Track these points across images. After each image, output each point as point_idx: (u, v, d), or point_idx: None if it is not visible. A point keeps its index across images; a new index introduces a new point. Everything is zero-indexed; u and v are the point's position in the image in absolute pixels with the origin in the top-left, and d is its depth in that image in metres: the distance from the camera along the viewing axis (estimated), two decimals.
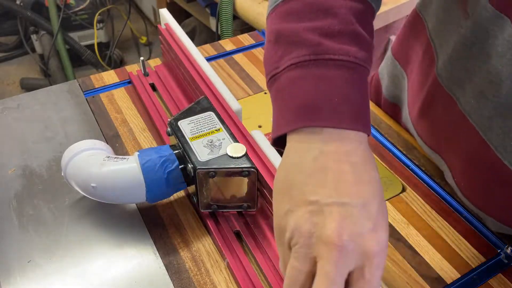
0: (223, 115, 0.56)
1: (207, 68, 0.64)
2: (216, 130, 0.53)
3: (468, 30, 0.46)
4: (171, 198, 0.57)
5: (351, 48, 0.37)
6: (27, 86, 2.17)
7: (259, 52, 0.83)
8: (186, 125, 0.54)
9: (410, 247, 0.53)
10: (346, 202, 0.32)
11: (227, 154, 0.50)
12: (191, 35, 1.98)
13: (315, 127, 0.35)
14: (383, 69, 0.70)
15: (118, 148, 0.64)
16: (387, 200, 0.58)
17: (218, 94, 0.59)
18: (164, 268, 0.50)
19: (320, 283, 0.31)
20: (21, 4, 2.09)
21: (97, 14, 2.17)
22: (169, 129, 0.55)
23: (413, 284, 0.49)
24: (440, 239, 0.54)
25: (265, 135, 0.53)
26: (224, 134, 0.53)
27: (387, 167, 0.62)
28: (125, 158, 0.51)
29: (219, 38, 1.46)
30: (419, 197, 0.58)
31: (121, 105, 0.71)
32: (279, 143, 0.39)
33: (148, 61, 0.79)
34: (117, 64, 2.29)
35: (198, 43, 1.83)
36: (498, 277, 0.51)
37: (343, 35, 0.37)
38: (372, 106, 0.73)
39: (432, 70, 0.54)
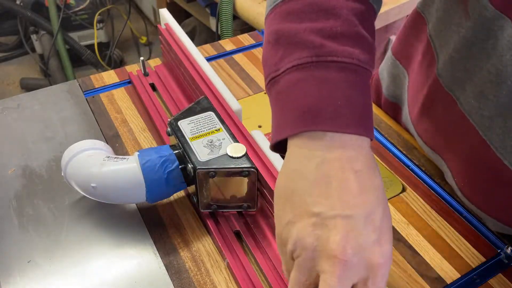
0: (223, 115, 0.56)
1: (207, 68, 0.64)
2: (216, 130, 0.53)
3: (469, 30, 0.46)
4: (171, 198, 0.57)
5: (354, 50, 0.36)
6: (27, 86, 2.17)
7: (259, 52, 0.83)
8: (186, 125, 0.54)
9: (410, 247, 0.53)
10: (350, 215, 0.32)
11: (227, 154, 0.50)
12: (191, 35, 1.98)
13: (318, 131, 0.34)
14: (383, 69, 0.70)
15: (118, 148, 0.64)
16: (387, 200, 0.58)
17: (218, 94, 0.59)
18: (164, 268, 0.50)
19: None
20: (21, 4, 2.09)
21: (97, 14, 2.17)
22: (169, 129, 0.55)
23: (413, 284, 0.49)
24: (440, 239, 0.54)
25: (265, 135, 0.53)
26: (224, 134, 0.53)
27: (387, 167, 0.62)
28: (125, 158, 0.51)
29: (219, 38, 1.46)
30: (419, 197, 0.58)
31: (121, 105, 0.71)
32: (279, 147, 0.38)
33: (148, 61, 0.79)
34: (117, 64, 2.29)
35: (198, 43, 1.83)
36: (498, 277, 0.51)
37: (346, 37, 0.36)
38: (372, 106, 0.72)
39: (432, 70, 0.54)
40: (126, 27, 2.29)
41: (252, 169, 0.49)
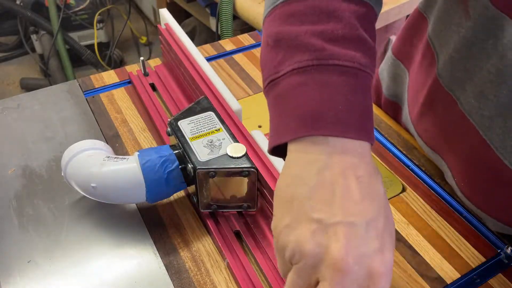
0: (223, 115, 0.56)
1: (207, 68, 0.64)
2: (216, 130, 0.53)
3: (469, 30, 0.46)
4: (171, 198, 0.57)
5: (355, 54, 0.35)
6: (27, 86, 2.17)
7: (259, 52, 0.83)
8: (186, 125, 0.54)
9: (410, 247, 0.53)
10: (352, 222, 0.31)
11: (227, 154, 0.50)
12: (191, 35, 1.98)
13: (319, 136, 0.34)
14: (383, 69, 0.70)
15: (118, 148, 0.64)
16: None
17: (218, 94, 0.59)
18: (164, 268, 0.50)
19: None
20: (21, 4, 2.09)
21: (97, 14, 2.17)
22: (169, 129, 0.55)
23: (413, 284, 0.49)
24: (440, 239, 0.54)
25: (265, 135, 0.53)
26: (224, 134, 0.53)
27: (387, 167, 0.62)
28: (125, 158, 0.51)
29: (219, 38, 1.46)
30: (419, 197, 0.58)
31: (121, 105, 0.71)
32: (277, 150, 0.38)
33: (148, 61, 0.79)
34: (117, 64, 2.29)
35: (198, 43, 1.83)
36: (498, 277, 0.51)
37: (347, 40, 0.36)
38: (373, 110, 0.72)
39: (432, 70, 0.54)
40: (126, 27, 2.29)
41: (252, 169, 0.49)
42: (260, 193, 0.52)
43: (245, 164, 0.49)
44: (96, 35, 2.19)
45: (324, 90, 0.34)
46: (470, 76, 0.48)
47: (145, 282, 0.49)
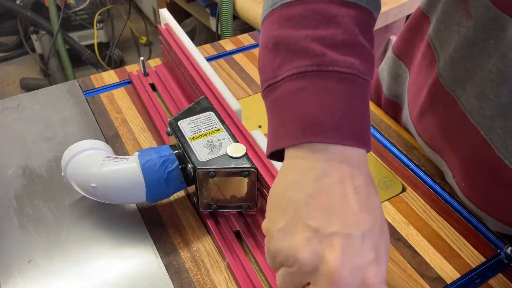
0: (223, 115, 0.56)
1: (207, 68, 0.64)
2: (216, 130, 0.53)
3: (470, 30, 0.46)
4: (171, 198, 0.57)
5: (355, 61, 0.35)
6: (27, 86, 2.17)
7: None
8: (186, 125, 0.54)
9: (410, 247, 0.53)
10: (348, 234, 0.31)
11: (227, 154, 0.50)
12: (191, 35, 1.98)
13: (317, 143, 0.34)
14: (383, 69, 0.70)
15: (118, 148, 0.64)
16: (387, 200, 0.58)
17: (218, 94, 0.59)
18: (164, 268, 0.50)
19: None
20: (21, 4, 2.09)
21: (97, 14, 2.17)
22: (169, 129, 0.55)
23: (413, 284, 0.49)
24: (440, 239, 0.54)
25: (265, 135, 0.53)
26: (224, 134, 0.53)
27: (387, 167, 0.62)
28: (125, 158, 0.51)
29: (219, 38, 1.46)
30: (419, 197, 0.58)
31: (121, 105, 0.71)
32: (275, 154, 0.38)
33: (148, 61, 0.79)
34: (117, 64, 2.29)
35: (198, 43, 1.83)
36: (498, 277, 0.51)
37: (347, 46, 0.35)
38: (372, 106, 0.73)
39: (433, 70, 0.54)
40: (126, 27, 2.29)
41: (252, 169, 0.49)
42: (260, 193, 0.52)
43: (245, 164, 0.49)
44: (96, 35, 2.19)
45: (323, 97, 0.34)
46: (471, 76, 0.48)
47: (145, 282, 0.49)
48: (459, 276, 0.50)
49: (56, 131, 0.66)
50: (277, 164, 0.49)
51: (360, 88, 0.36)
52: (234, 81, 0.77)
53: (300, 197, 0.33)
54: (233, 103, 0.57)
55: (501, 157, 0.47)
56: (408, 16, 1.33)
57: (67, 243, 0.52)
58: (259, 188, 0.51)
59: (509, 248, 0.52)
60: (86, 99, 0.72)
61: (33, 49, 2.21)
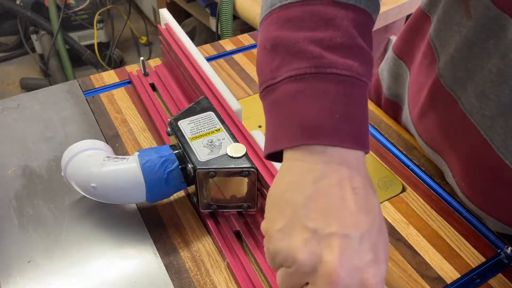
0: (223, 115, 0.56)
1: (207, 68, 0.64)
2: (216, 130, 0.53)
3: (470, 29, 0.46)
4: (171, 198, 0.57)
5: (353, 63, 0.35)
6: (27, 86, 2.17)
7: None
8: (186, 125, 0.54)
9: (410, 247, 0.53)
10: (346, 234, 0.31)
11: (227, 154, 0.50)
12: (191, 35, 1.98)
13: (316, 145, 0.34)
14: (383, 69, 0.70)
15: (118, 148, 0.64)
16: (387, 200, 0.58)
17: (218, 94, 0.59)
18: (164, 268, 0.50)
19: None
20: (21, 4, 2.09)
21: (97, 14, 2.17)
22: (169, 129, 0.55)
23: (413, 284, 0.49)
24: (440, 239, 0.54)
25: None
26: (224, 134, 0.53)
27: (387, 167, 0.62)
28: (125, 158, 0.51)
29: (219, 38, 1.46)
30: (419, 197, 0.58)
31: (121, 105, 0.71)
32: (273, 155, 0.38)
33: (148, 61, 0.79)
34: (117, 64, 2.29)
35: (198, 43, 1.83)
36: (498, 277, 0.51)
37: (345, 49, 0.35)
38: (372, 106, 0.73)
39: (433, 70, 0.54)
40: (126, 27, 2.29)
41: (252, 169, 0.49)
42: (260, 193, 0.52)
43: (245, 164, 0.49)
44: (96, 35, 2.19)
45: (321, 99, 0.34)
46: (471, 75, 0.48)
47: (145, 282, 0.49)
48: (459, 276, 0.50)
49: (56, 131, 0.66)
50: (277, 164, 0.49)
51: (359, 91, 0.36)
52: (234, 81, 0.77)
53: (298, 199, 0.33)
54: (233, 103, 0.57)
55: (501, 157, 0.47)
56: (408, 16, 1.33)
57: (67, 243, 0.52)
58: (259, 188, 0.51)
59: (509, 248, 0.52)
60: (86, 99, 0.72)
61: (33, 49, 2.21)
